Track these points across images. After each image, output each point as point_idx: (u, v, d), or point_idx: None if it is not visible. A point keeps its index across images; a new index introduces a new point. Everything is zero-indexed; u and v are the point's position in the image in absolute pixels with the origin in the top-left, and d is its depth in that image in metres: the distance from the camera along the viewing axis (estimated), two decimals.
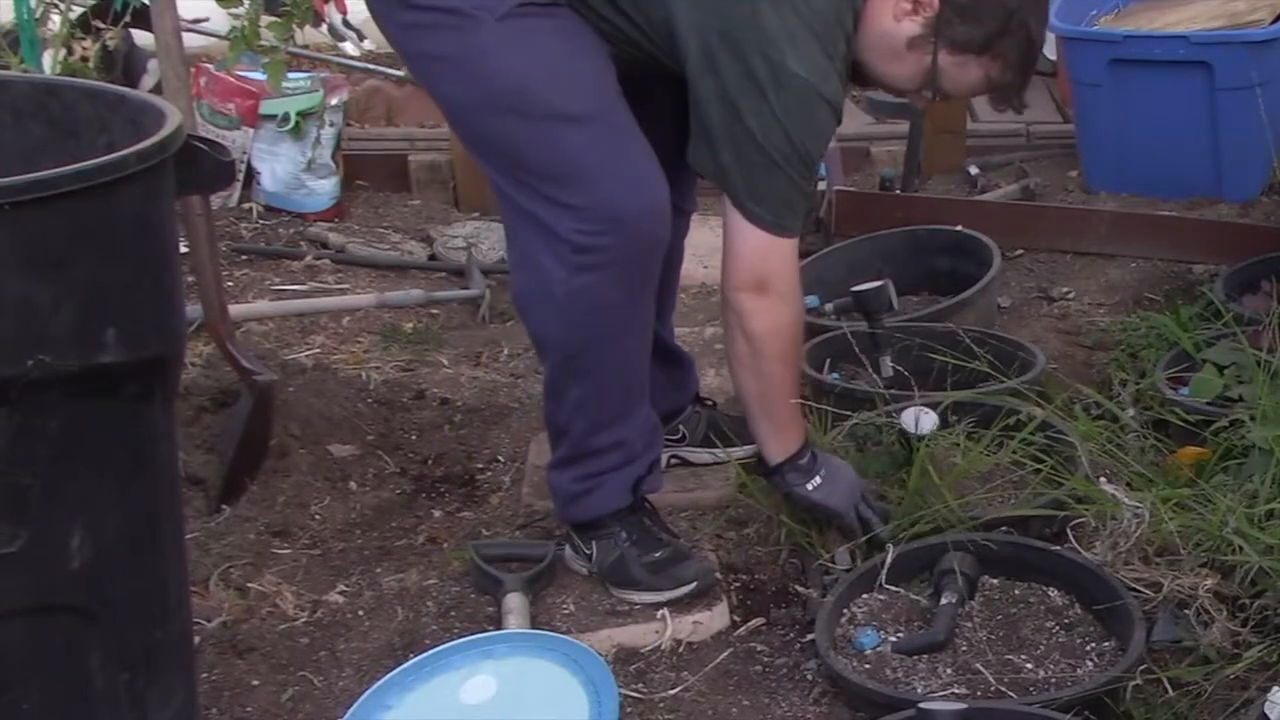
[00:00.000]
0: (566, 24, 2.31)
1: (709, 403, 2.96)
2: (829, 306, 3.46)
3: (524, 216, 2.32)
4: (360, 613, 2.53)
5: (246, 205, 4.35)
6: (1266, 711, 2.01)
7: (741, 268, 2.41)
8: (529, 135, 2.28)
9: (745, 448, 2.86)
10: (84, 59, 4.29)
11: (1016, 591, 2.43)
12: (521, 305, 2.44)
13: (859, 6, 2.33)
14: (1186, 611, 2.27)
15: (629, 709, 2.28)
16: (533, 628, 2.41)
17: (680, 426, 2.85)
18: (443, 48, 2.29)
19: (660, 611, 2.46)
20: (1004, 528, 2.50)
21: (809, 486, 2.52)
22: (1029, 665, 2.26)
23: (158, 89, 3.18)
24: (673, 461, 2.85)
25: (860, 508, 2.54)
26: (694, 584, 2.47)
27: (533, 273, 2.35)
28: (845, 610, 2.42)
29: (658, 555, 2.49)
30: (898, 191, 4.10)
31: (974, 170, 4.29)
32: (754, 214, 2.35)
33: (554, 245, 2.29)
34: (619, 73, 2.37)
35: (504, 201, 2.37)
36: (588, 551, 2.53)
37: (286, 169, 4.32)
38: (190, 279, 2.75)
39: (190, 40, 3.64)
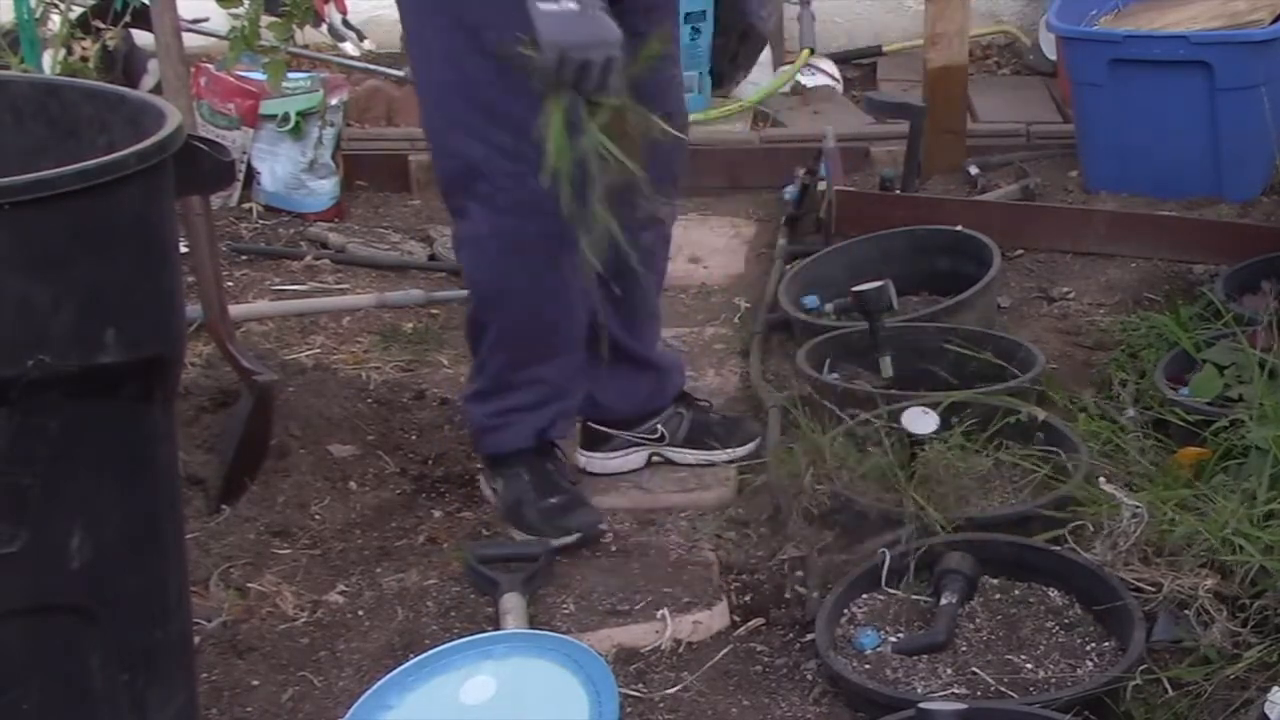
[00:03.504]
0: None
1: (703, 404, 2.96)
2: (829, 306, 3.46)
3: (455, 141, 2.44)
4: (360, 613, 2.53)
5: (246, 205, 4.34)
6: (1266, 711, 2.01)
7: None
8: (482, 67, 2.34)
9: (732, 450, 2.87)
10: (84, 59, 4.29)
11: (1016, 592, 2.43)
12: (455, 246, 2.61)
13: None
14: (1186, 611, 2.27)
15: (629, 709, 2.28)
16: (532, 628, 2.41)
17: (659, 426, 2.87)
18: None
19: (660, 611, 2.46)
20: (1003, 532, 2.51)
21: (544, 5, 2.21)
22: (1029, 665, 2.26)
23: (158, 89, 3.18)
24: (653, 459, 2.87)
25: (592, 63, 2.19)
26: (578, 535, 2.55)
27: (461, 217, 2.48)
28: (845, 610, 2.42)
29: (553, 501, 2.59)
30: (898, 191, 4.10)
31: (974, 170, 4.29)
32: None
33: (479, 184, 2.40)
34: None
35: (433, 126, 2.49)
36: (494, 486, 2.65)
37: (286, 169, 4.32)
38: (190, 279, 2.75)
39: (190, 40, 3.64)
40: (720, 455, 2.88)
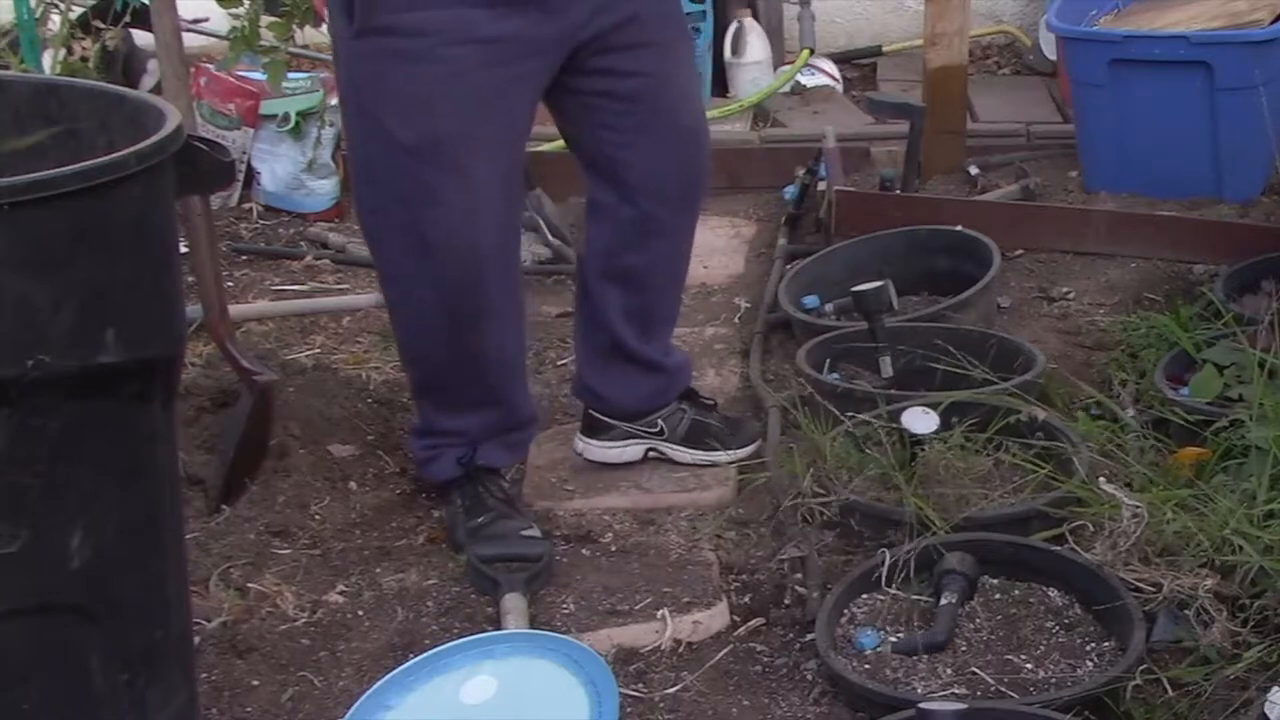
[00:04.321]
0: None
1: (708, 401, 2.96)
2: (829, 306, 3.46)
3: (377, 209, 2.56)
4: (360, 613, 2.53)
5: (246, 205, 4.34)
6: (1266, 712, 2.01)
7: None
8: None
9: (733, 452, 2.87)
10: (84, 59, 4.29)
11: (1016, 592, 2.43)
12: None
13: None
14: (1186, 611, 2.26)
15: (629, 709, 2.28)
16: (532, 628, 2.41)
17: (659, 421, 2.87)
18: None
19: (660, 611, 2.46)
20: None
21: None
22: (1029, 665, 2.26)
23: (158, 89, 3.18)
24: (650, 455, 2.88)
25: None
26: (501, 553, 2.60)
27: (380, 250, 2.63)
28: (845, 610, 2.42)
29: (480, 520, 2.65)
30: (898, 191, 4.10)
31: (974, 170, 4.29)
32: None
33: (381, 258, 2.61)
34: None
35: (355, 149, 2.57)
36: (438, 512, 2.75)
37: (286, 169, 4.32)
38: (190, 279, 2.75)
39: (190, 40, 3.64)
40: (721, 456, 2.88)
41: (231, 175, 2.00)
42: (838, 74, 5.19)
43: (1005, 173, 4.34)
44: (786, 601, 2.53)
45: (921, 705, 2.06)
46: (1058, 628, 2.35)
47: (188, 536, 2.23)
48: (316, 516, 2.80)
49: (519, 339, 2.70)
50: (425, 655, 2.31)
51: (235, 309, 3.38)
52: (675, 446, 2.88)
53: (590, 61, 2.50)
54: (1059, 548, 2.45)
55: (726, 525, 2.73)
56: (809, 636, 2.38)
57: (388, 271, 2.62)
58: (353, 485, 2.92)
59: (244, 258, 4.03)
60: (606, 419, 2.87)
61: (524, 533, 2.65)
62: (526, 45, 2.42)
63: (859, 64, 5.43)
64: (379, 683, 2.25)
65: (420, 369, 2.69)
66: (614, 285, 2.73)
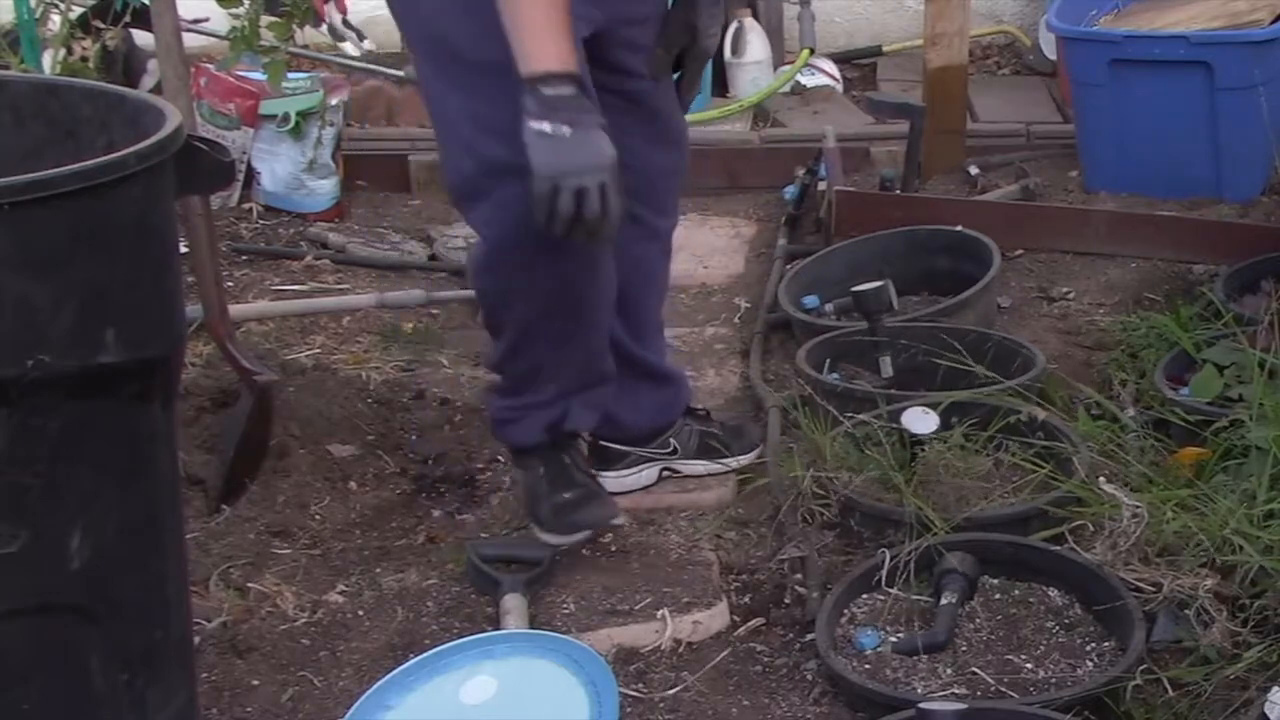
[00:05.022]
0: None
1: (701, 412, 2.95)
2: (829, 306, 3.46)
3: (451, 120, 2.39)
4: (360, 613, 2.53)
5: (246, 205, 4.34)
6: (1266, 712, 2.01)
7: None
8: (477, 33, 2.29)
9: (739, 458, 2.87)
10: (84, 59, 4.29)
11: (1016, 591, 2.43)
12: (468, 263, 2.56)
13: None
14: (1186, 611, 2.26)
15: (629, 709, 2.28)
16: (532, 628, 2.41)
17: (671, 440, 2.84)
18: None
19: (660, 611, 2.46)
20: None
21: (542, 125, 2.17)
22: (1029, 665, 2.26)
23: (158, 89, 3.18)
24: (664, 474, 2.85)
25: (588, 190, 2.16)
26: (587, 531, 2.54)
27: (469, 223, 2.46)
28: (845, 610, 2.42)
29: (566, 497, 2.56)
30: (898, 191, 4.10)
31: (974, 170, 4.29)
32: None
33: (476, 146, 2.34)
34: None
35: (434, 106, 2.44)
36: (514, 476, 2.65)
37: (286, 169, 4.32)
38: (190, 279, 2.75)
39: (190, 40, 3.64)
40: (731, 463, 2.87)
41: (231, 175, 2.00)
42: (838, 74, 5.19)
43: (1005, 173, 4.34)
44: (786, 601, 2.53)
45: (921, 705, 2.06)
46: (1058, 628, 2.35)
47: (188, 536, 2.23)
48: (316, 516, 2.80)
49: (613, 279, 2.54)
50: (425, 655, 2.31)
51: (235, 309, 3.38)
52: (688, 462, 2.87)
53: (605, 56, 2.48)
54: (1059, 548, 2.45)
55: (726, 525, 2.73)
56: (809, 636, 2.38)
57: (481, 208, 2.39)
58: (353, 485, 2.92)
59: (244, 258, 4.03)
60: (619, 447, 2.82)
61: (616, 520, 2.60)
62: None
63: (859, 64, 5.43)
64: (379, 683, 2.25)
65: (513, 311, 2.48)
66: None
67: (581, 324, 2.52)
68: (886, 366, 3.07)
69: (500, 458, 3.02)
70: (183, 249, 2.10)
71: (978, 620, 2.38)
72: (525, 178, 2.20)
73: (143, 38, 4.48)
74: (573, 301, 2.48)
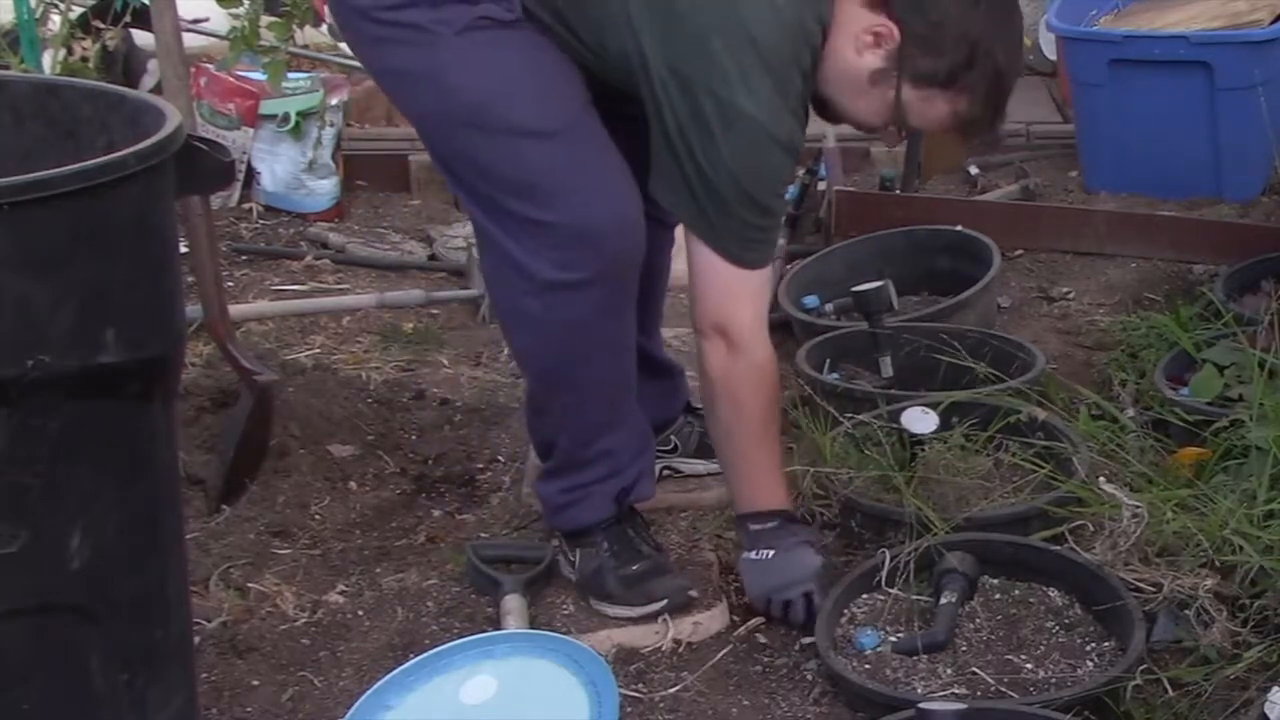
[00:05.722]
0: (527, 39, 2.27)
1: (702, 411, 2.94)
2: (829, 306, 3.46)
3: (494, 234, 2.31)
4: (360, 613, 2.53)
5: (246, 205, 4.35)
6: (1266, 712, 2.01)
7: (705, 307, 2.35)
8: (492, 150, 2.26)
9: None
10: (84, 59, 4.30)
11: (1016, 592, 2.43)
12: (501, 321, 2.47)
13: (817, 42, 2.25)
14: (1186, 611, 2.27)
15: (629, 709, 2.28)
16: (532, 628, 2.41)
17: (672, 437, 2.84)
18: (405, 63, 2.28)
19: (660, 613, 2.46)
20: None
21: (750, 554, 2.46)
22: (1029, 665, 2.26)
23: (158, 89, 3.18)
24: (664, 473, 2.84)
25: (793, 601, 2.42)
26: (664, 601, 2.44)
27: (506, 289, 2.35)
28: (845, 610, 2.42)
29: (635, 569, 2.46)
30: (898, 191, 4.11)
31: (974, 170, 4.29)
32: (713, 244, 2.30)
33: (525, 263, 2.27)
34: (592, 85, 2.34)
35: (474, 219, 2.36)
36: (572, 559, 2.52)
37: (286, 169, 4.32)
38: (190, 279, 2.75)
39: (190, 40, 3.65)
40: None
41: (231, 175, 2.00)
42: None
43: (1005, 173, 4.35)
44: None
45: (921, 705, 2.06)
46: (1058, 628, 2.35)
47: (188, 536, 2.23)
48: (316, 516, 2.80)
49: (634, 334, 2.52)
50: (425, 655, 2.31)
51: (235, 309, 3.38)
52: (687, 460, 2.86)
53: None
54: (1059, 548, 2.45)
55: (726, 525, 2.73)
56: (809, 637, 2.38)
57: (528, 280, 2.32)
58: (353, 485, 2.92)
59: (244, 258, 4.04)
60: None
61: (691, 592, 2.48)
62: None
63: None
64: (379, 683, 2.25)
65: (568, 390, 2.42)
66: None
67: (622, 394, 2.47)
68: (886, 366, 3.07)
69: (500, 458, 3.02)
70: (183, 249, 2.10)
71: (978, 620, 2.38)
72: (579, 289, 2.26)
73: (143, 38, 4.48)
74: (623, 374, 2.45)
